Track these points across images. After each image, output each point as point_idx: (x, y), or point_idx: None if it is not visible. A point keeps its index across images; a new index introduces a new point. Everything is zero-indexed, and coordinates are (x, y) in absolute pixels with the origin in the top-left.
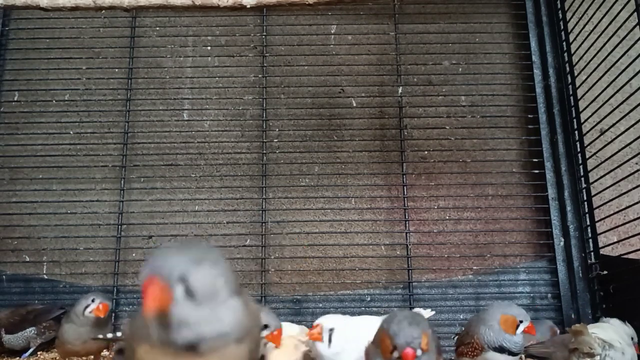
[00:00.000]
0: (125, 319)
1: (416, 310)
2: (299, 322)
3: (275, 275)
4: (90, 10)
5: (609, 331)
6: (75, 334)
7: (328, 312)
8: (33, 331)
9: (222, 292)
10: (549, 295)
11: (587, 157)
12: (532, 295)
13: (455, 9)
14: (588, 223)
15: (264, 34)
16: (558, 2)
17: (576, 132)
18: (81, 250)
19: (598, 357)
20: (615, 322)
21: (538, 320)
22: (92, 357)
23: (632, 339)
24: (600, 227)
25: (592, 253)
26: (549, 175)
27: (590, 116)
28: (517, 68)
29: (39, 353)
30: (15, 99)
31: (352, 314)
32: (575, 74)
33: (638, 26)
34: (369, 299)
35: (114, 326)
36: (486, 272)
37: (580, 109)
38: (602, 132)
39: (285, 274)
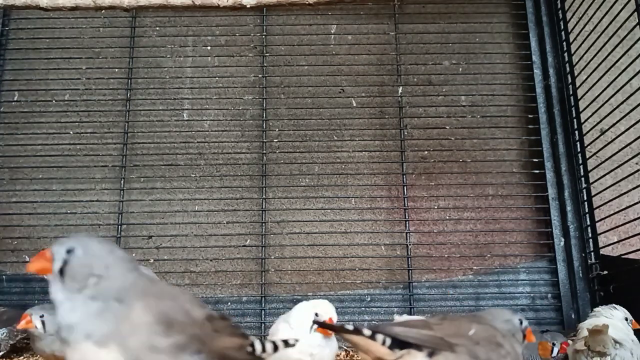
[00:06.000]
0: None
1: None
2: None
3: (275, 275)
4: (90, 10)
5: (616, 329)
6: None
7: None
8: (4, 333)
9: (94, 289)
10: (549, 295)
11: (587, 157)
12: (532, 295)
13: (455, 9)
14: (588, 223)
15: (264, 34)
16: (558, 2)
17: (576, 132)
18: None
19: (609, 358)
20: (607, 312)
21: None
22: None
23: (626, 319)
24: (600, 227)
25: (592, 253)
26: (549, 175)
27: (591, 116)
28: (517, 68)
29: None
30: (15, 99)
31: (352, 314)
32: (575, 74)
33: (638, 26)
34: (369, 299)
35: None
36: (486, 272)
37: (581, 109)
38: (602, 132)
39: (285, 274)
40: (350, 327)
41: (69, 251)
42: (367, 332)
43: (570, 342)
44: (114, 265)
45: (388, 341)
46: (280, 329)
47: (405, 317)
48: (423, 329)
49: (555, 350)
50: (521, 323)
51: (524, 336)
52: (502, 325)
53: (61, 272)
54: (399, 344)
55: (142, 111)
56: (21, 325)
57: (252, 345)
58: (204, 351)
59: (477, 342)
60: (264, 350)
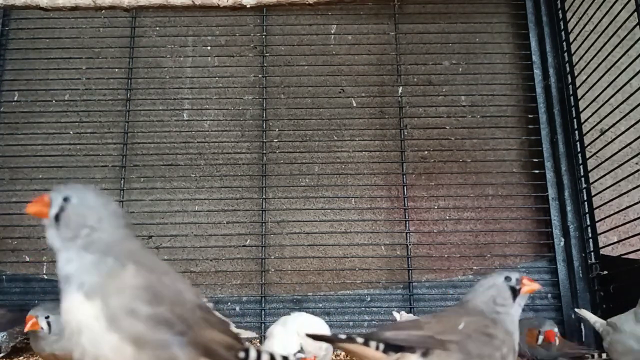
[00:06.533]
0: None
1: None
2: None
3: (275, 275)
4: (90, 10)
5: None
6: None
7: (328, 312)
8: (4, 336)
9: (86, 240)
10: (549, 295)
11: (587, 157)
12: (532, 295)
13: (455, 9)
14: (588, 223)
15: (264, 34)
16: (558, 2)
17: (576, 132)
18: None
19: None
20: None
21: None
22: None
23: None
24: (600, 227)
25: (592, 253)
26: (549, 175)
27: (591, 116)
28: (517, 68)
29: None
30: (15, 99)
31: (352, 314)
32: (575, 74)
33: (638, 26)
34: (369, 299)
35: None
36: (486, 272)
37: (580, 109)
38: (602, 132)
39: (285, 274)
40: (343, 336)
41: (65, 199)
42: (359, 339)
43: (556, 330)
44: (107, 218)
45: (382, 346)
46: (275, 333)
47: (404, 315)
48: (413, 329)
49: (541, 338)
50: (509, 280)
51: (516, 291)
52: (483, 298)
53: (57, 218)
54: (393, 346)
55: (142, 111)
56: (27, 327)
57: (247, 351)
58: (189, 336)
59: (468, 335)
60: (258, 359)
